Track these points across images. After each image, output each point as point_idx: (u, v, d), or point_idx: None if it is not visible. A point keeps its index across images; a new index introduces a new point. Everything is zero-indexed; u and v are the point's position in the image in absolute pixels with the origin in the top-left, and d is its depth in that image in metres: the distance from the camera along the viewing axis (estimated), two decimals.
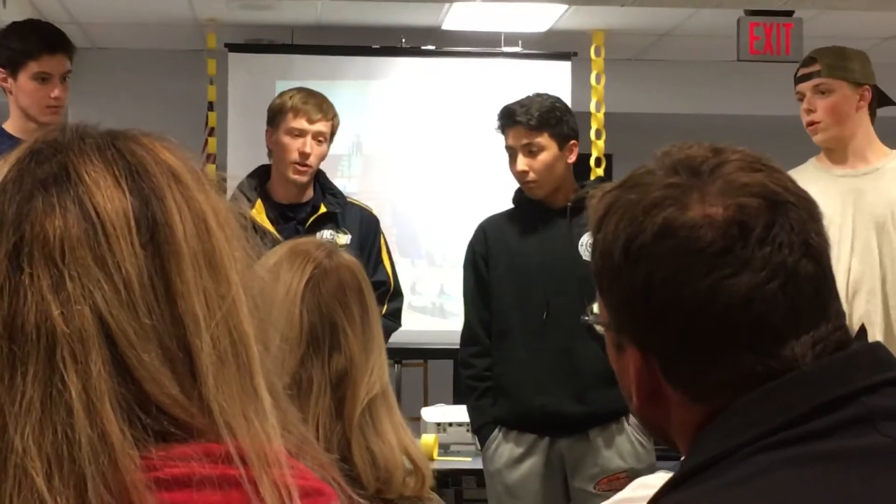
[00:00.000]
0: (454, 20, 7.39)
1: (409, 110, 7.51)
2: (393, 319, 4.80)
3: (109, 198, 1.09)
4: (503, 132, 4.63)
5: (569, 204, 4.57)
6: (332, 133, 4.76)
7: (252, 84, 7.36)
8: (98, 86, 7.81)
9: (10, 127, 4.43)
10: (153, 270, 1.09)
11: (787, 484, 1.20)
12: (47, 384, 1.04)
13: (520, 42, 7.63)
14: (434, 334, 7.19)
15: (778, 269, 1.29)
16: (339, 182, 5.27)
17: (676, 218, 1.30)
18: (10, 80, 4.39)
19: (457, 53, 7.60)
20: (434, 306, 7.45)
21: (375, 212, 4.97)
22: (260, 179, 4.75)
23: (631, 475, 4.27)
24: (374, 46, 7.54)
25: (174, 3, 7.07)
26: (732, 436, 1.25)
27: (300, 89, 4.82)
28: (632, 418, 4.41)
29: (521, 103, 4.63)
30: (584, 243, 4.48)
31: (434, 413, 5.79)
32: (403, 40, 7.57)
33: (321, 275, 2.23)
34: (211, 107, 7.58)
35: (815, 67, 4.42)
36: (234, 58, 7.51)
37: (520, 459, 4.63)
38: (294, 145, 4.65)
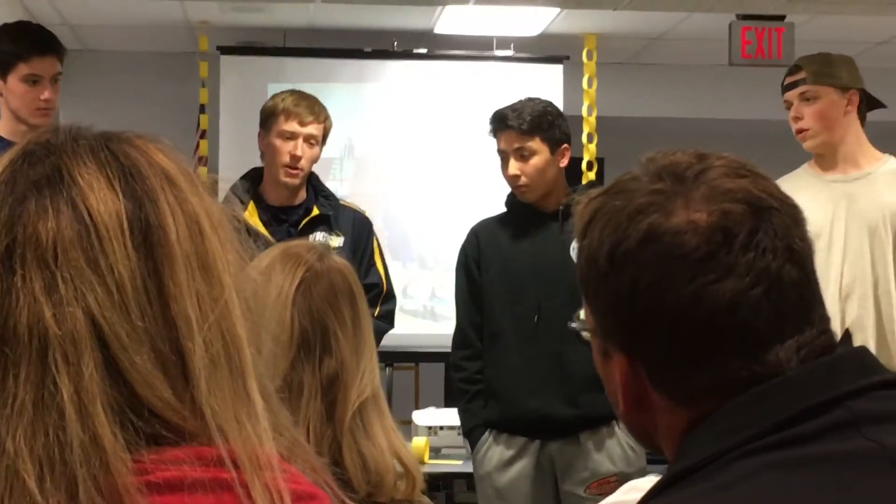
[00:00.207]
0: (446, 23, 7.39)
1: (401, 113, 7.51)
2: (386, 321, 4.80)
3: (102, 200, 1.09)
4: (495, 136, 4.64)
5: (560, 208, 4.57)
6: (325, 135, 4.76)
7: (244, 87, 7.36)
8: (89, 88, 7.80)
9: (0, 129, 4.42)
10: (146, 273, 1.09)
11: (774, 488, 1.21)
12: (39, 386, 1.04)
13: (512, 46, 7.64)
14: (425, 337, 7.20)
15: (762, 274, 1.29)
16: (331, 185, 5.27)
17: (661, 224, 1.31)
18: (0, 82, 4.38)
19: (449, 57, 7.60)
20: (425, 309, 7.45)
21: (367, 215, 4.96)
22: (252, 182, 4.74)
23: (621, 479, 4.28)
24: (367, 49, 7.54)
25: (166, 5, 7.06)
26: (719, 440, 1.26)
27: (292, 91, 4.81)
28: None
29: (513, 107, 4.63)
30: (576, 247, 4.47)
31: (425, 416, 5.79)
32: (396, 43, 7.57)
33: (312, 278, 2.23)
34: (203, 109, 7.57)
35: (801, 75, 4.43)
36: (225, 60, 7.50)
37: (510, 462, 4.63)
38: (285, 148, 4.65)
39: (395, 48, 7.58)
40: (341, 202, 4.90)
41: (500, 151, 4.63)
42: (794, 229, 1.33)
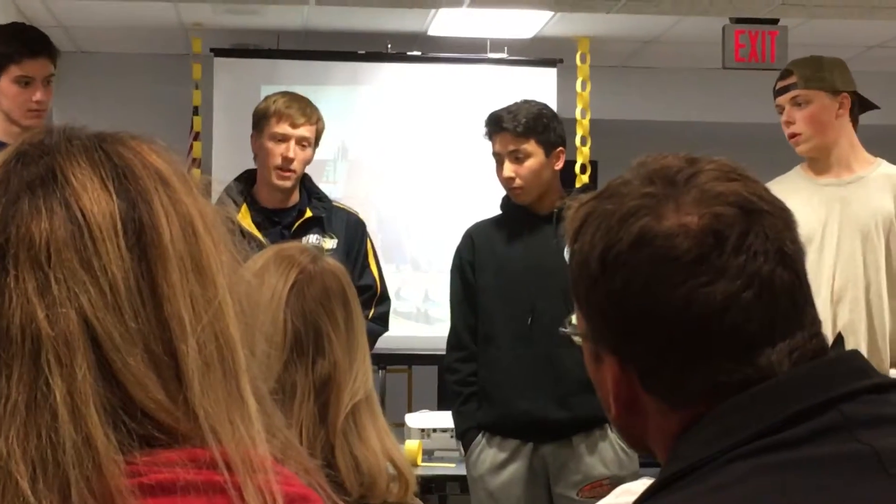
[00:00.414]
0: (440, 26, 7.40)
1: (394, 116, 7.52)
2: (380, 323, 4.80)
3: (96, 200, 1.09)
4: (490, 138, 4.63)
5: (555, 210, 4.57)
6: (317, 137, 4.75)
7: (237, 89, 7.36)
8: (83, 90, 7.80)
9: None
10: (139, 274, 1.09)
11: (766, 491, 1.21)
12: (32, 387, 1.04)
13: (505, 48, 7.64)
14: (418, 340, 7.20)
15: (753, 277, 1.29)
16: (325, 187, 5.27)
17: (652, 227, 1.31)
18: None
19: (443, 59, 7.61)
20: (419, 312, 7.46)
21: (361, 217, 4.96)
22: (246, 184, 4.74)
23: (614, 482, 4.27)
24: (360, 52, 7.54)
25: (160, 7, 7.06)
26: (711, 443, 1.26)
27: (284, 93, 4.80)
28: None
29: (508, 110, 4.63)
30: (568, 252, 4.47)
31: (418, 419, 5.79)
32: (389, 46, 7.57)
33: (306, 280, 2.23)
34: (196, 111, 7.57)
35: (792, 79, 4.43)
36: (219, 62, 7.51)
37: (503, 465, 4.62)
38: (277, 150, 4.64)
39: (389, 50, 7.59)
40: (335, 204, 4.89)
41: (495, 154, 4.63)
42: (785, 232, 1.33)
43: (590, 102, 7.65)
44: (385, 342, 4.95)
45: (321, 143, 4.83)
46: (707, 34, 6.65)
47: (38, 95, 4.36)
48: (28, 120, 4.34)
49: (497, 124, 4.60)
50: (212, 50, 7.51)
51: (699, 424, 1.29)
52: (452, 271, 4.80)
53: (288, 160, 4.63)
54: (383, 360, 6.70)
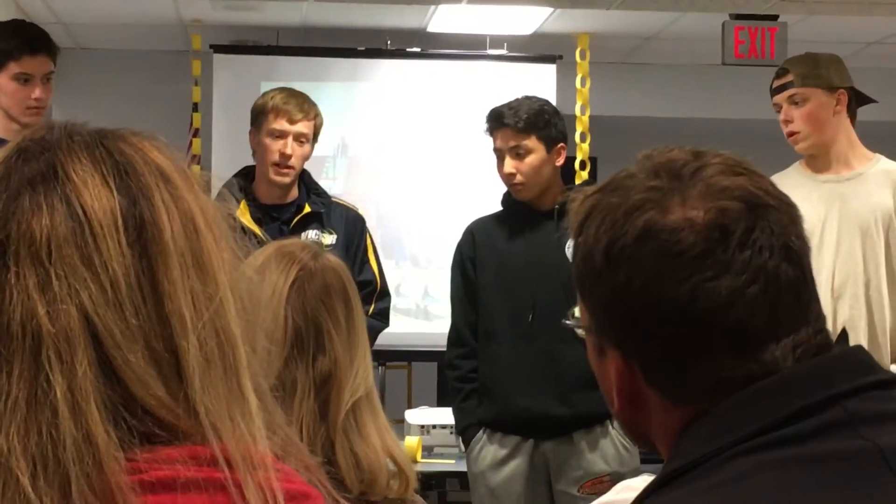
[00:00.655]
0: (439, 22, 7.39)
1: (394, 112, 7.51)
2: (380, 319, 4.80)
3: (97, 197, 1.09)
4: (491, 134, 4.63)
5: (556, 207, 4.57)
6: (316, 133, 4.74)
7: (237, 85, 7.35)
8: (83, 86, 7.80)
9: None
10: (140, 270, 1.08)
11: (769, 487, 1.20)
12: (32, 384, 1.04)
13: (505, 45, 7.64)
14: (418, 336, 7.20)
15: (758, 272, 1.29)
16: (324, 183, 5.27)
17: (657, 221, 1.30)
18: None
19: (442, 56, 7.60)
20: (418, 308, 7.46)
21: (360, 213, 4.95)
22: (244, 180, 4.73)
23: (615, 479, 4.28)
24: (360, 48, 7.54)
25: (159, 3, 7.05)
26: (714, 439, 1.25)
27: (282, 89, 4.80)
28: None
29: (509, 105, 4.62)
30: (571, 246, 4.47)
31: (418, 415, 5.79)
32: (389, 42, 7.57)
33: (306, 276, 2.22)
34: (196, 108, 7.56)
35: (788, 78, 4.44)
36: (218, 59, 7.50)
37: (504, 461, 4.62)
38: (275, 146, 4.64)
39: (389, 47, 7.58)
40: (334, 200, 4.89)
41: (496, 149, 4.63)
42: (790, 227, 1.33)
43: (589, 99, 7.65)
44: (385, 339, 4.95)
45: (320, 139, 4.83)
46: (707, 30, 6.65)
47: (37, 93, 4.35)
48: (27, 117, 4.33)
49: (498, 120, 4.60)
50: (211, 46, 7.51)
51: (702, 420, 1.28)
52: (453, 267, 4.80)
53: (286, 156, 4.63)
54: (383, 357, 6.69)
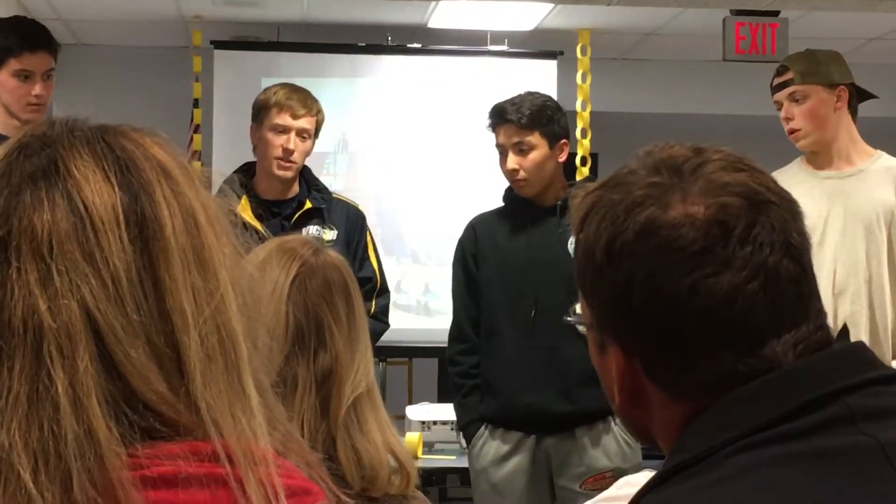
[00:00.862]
0: (440, 18, 7.39)
1: (394, 108, 7.51)
2: (382, 318, 4.80)
3: (98, 192, 1.09)
4: (494, 130, 4.62)
5: (559, 203, 4.56)
6: (317, 129, 4.75)
7: (237, 81, 7.35)
8: (83, 82, 7.80)
9: None
10: (141, 266, 1.08)
11: (770, 483, 1.20)
12: (34, 379, 1.04)
13: (506, 41, 7.64)
14: (419, 332, 7.20)
15: (759, 268, 1.29)
16: (325, 179, 5.27)
17: (658, 217, 1.30)
18: None
19: (443, 51, 7.60)
20: (419, 304, 7.46)
21: (360, 209, 4.95)
22: (245, 176, 4.74)
23: (617, 475, 4.27)
24: (360, 44, 7.53)
25: (160, 0, 7.06)
26: (715, 434, 1.26)
27: (284, 85, 4.80)
28: None
29: (512, 101, 4.62)
30: (573, 242, 4.47)
31: (418, 411, 5.79)
32: (389, 38, 7.57)
33: (307, 272, 2.22)
34: (196, 104, 7.56)
35: (788, 76, 4.44)
36: (219, 55, 7.50)
37: (506, 457, 4.62)
38: (278, 141, 4.64)
39: (389, 43, 7.58)
40: (334, 196, 4.89)
41: (498, 145, 4.62)
42: (791, 223, 1.33)
43: (590, 95, 7.65)
44: (386, 335, 4.95)
45: (321, 135, 4.83)
46: (707, 26, 6.64)
47: (37, 90, 4.34)
48: (27, 114, 4.33)
49: (501, 116, 4.60)
50: (212, 42, 7.51)
51: (703, 416, 1.28)
52: (455, 263, 4.80)
53: (288, 151, 4.63)
54: (384, 353, 6.70)
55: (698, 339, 1.29)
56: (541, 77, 7.21)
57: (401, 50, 7.59)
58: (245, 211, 4.52)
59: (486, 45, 7.60)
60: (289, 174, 4.67)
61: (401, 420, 5.65)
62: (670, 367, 1.32)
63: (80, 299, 1.06)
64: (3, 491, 1.02)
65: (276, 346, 2.12)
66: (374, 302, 4.73)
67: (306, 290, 2.20)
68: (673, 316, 1.29)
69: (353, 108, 7.42)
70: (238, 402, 1.10)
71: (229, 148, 6.96)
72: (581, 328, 1.43)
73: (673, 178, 1.33)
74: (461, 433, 4.93)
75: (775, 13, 6.23)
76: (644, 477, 1.54)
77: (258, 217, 4.57)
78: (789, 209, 1.34)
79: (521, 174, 4.55)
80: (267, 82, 5.51)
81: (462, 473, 5.27)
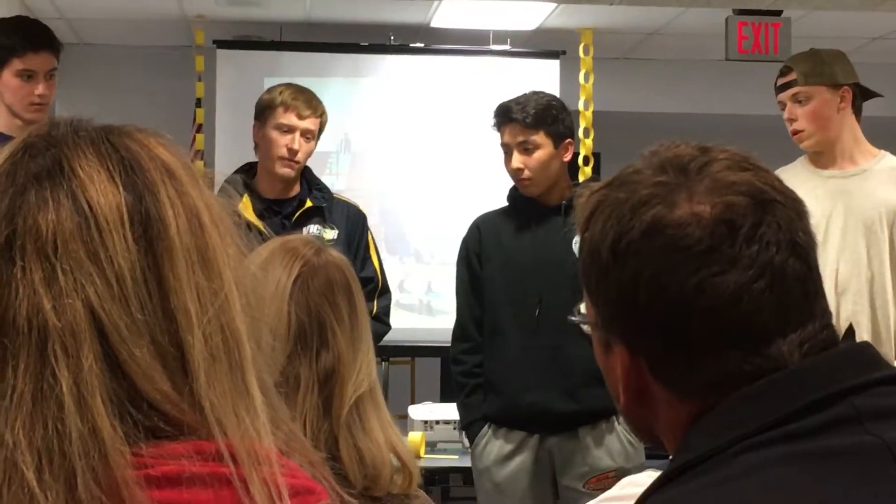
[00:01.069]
0: (443, 18, 7.39)
1: (397, 108, 7.51)
2: (383, 319, 4.79)
3: (103, 192, 1.09)
4: (499, 129, 4.62)
5: (563, 202, 4.56)
6: (321, 130, 4.76)
7: (240, 81, 7.35)
8: (86, 82, 7.80)
9: None
10: (146, 266, 1.09)
11: (776, 482, 1.20)
12: (38, 378, 1.04)
13: (508, 40, 7.64)
14: (421, 332, 7.20)
15: (765, 267, 1.29)
16: (327, 179, 5.28)
17: (664, 216, 1.30)
18: None
19: (445, 51, 7.60)
20: (421, 304, 7.46)
21: (363, 209, 4.96)
22: (246, 175, 4.74)
23: (620, 474, 4.27)
24: (363, 43, 7.53)
25: None
26: (721, 434, 1.25)
27: (289, 85, 4.81)
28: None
29: (517, 101, 4.62)
30: (578, 241, 4.46)
31: (421, 411, 5.79)
32: (392, 37, 7.56)
33: (310, 272, 2.22)
34: (199, 103, 7.56)
35: (792, 76, 4.43)
36: (222, 54, 7.50)
37: (509, 457, 4.62)
38: (282, 141, 4.64)
39: (392, 42, 7.58)
40: (335, 196, 4.90)
41: (503, 145, 4.62)
42: (797, 222, 1.33)
43: (593, 94, 7.64)
44: (388, 334, 4.95)
45: (324, 134, 4.84)
46: (710, 26, 6.64)
47: (40, 89, 4.35)
48: (29, 114, 4.33)
49: (506, 115, 4.60)
50: (214, 42, 7.51)
51: (709, 415, 1.28)
52: (459, 262, 4.80)
53: (293, 151, 4.64)
54: (386, 352, 6.69)
55: (704, 338, 1.29)
56: (543, 76, 7.21)
57: (403, 49, 7.59)
58: (247, 210, 4.53)
59: (489, 44, 7.60)
60: (291, 173, 4.68)
61: (403, 419, 5.65)
62: (676, 366, 1.32)
63: (84, 298, 1.06)
64: (7, 489, 1.02)
65: (278, 346, 2.12)
66: (375, 303, 4.73)
67: (308, 289, 2.20)
68: (679, 315, 1.29)
69: (355, 107, 7.42)
70: (242, 401, 1.10)
71: (232, 147, 6.95)
72: (586, 327, 1.42)
73: (679, 177, 1.33)
74: (464, 432, 4.92)
75: (778, 13, 6.23)
76: (647, 476, 1.55)
77: (259, 216, 4.58)
78: (795, 208, 1.34)
79: (526, 173, 4.55)
80: (270, 82, 5.51)
81: (465, 473, 5.27)
